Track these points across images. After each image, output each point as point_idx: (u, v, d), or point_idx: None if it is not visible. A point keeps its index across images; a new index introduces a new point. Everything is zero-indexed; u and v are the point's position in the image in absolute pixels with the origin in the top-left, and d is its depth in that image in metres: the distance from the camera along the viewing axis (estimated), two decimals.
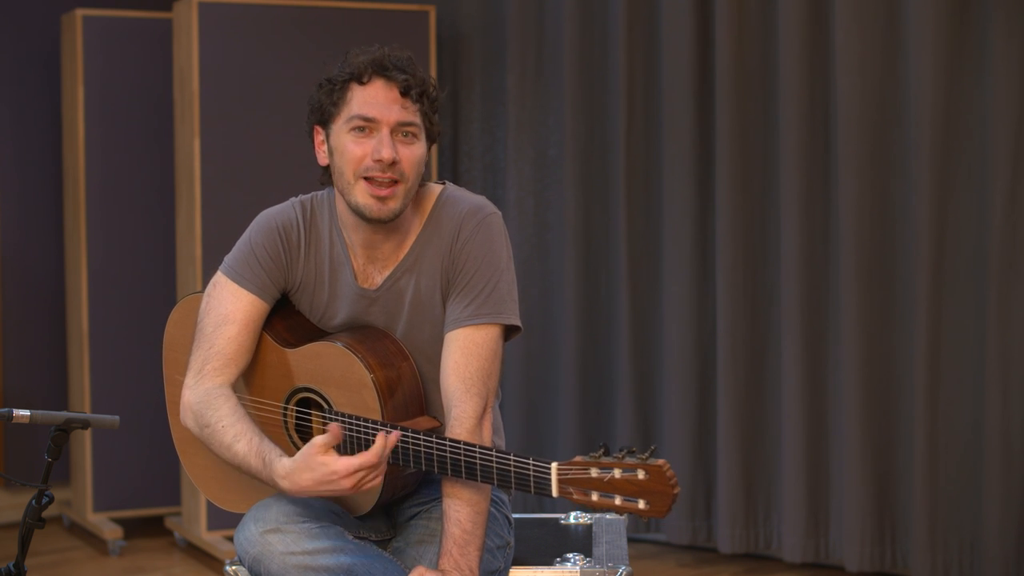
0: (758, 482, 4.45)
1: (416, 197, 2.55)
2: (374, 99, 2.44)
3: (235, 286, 2.56)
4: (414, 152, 2.46)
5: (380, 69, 2.44)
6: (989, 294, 3.97)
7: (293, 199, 2.63)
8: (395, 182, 2.44)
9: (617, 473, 2.19)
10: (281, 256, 2.57)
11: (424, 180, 2.56)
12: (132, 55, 4.77)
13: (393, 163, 2.42)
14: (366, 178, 2.45)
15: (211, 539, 4.51)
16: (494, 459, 2.31)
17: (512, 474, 2.29)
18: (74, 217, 4.82)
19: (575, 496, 2.23)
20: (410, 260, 2.55)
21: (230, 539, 4.50)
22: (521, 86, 4.91)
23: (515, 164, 4.92)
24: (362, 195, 2.45)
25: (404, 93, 2.44)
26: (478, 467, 2.33)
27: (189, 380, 2.55)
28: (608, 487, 2.20)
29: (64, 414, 2.41)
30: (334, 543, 2.39)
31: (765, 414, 4.44)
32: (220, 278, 2.58)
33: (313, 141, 2.55)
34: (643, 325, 4.68)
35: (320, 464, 2.32)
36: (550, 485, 2.25)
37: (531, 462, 2.27)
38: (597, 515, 3.02)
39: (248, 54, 4.48)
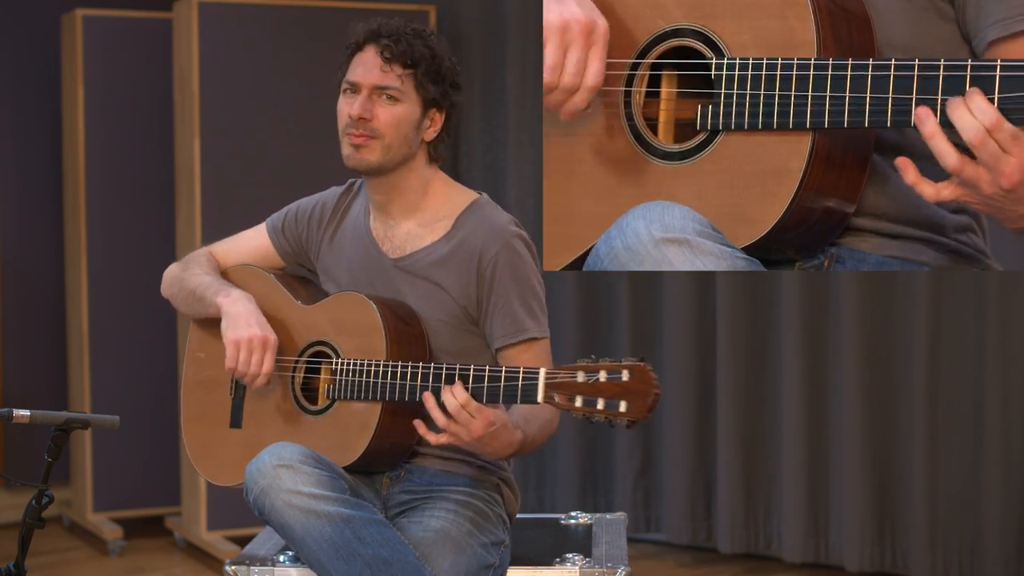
0: (758, 482, 4.45)
1: (447, 191, 2.70)
2: (359, 64, 2.63)
3: (263, 227, 2.87)
4: (393, 113, 2.62)
5: (373, 37, 2.64)
6: (989, 294, 3.97)
7: (352, 179, 2.83)
8: (371, 137, 2.61)
9: (602, 376, 2.24)
10: (303, 223, 2.80)
11: (437, 161, 2.70)
12: (132, 55, 4.77)
13: (362, 120, 2.60)
14: (346, 133, 2.64)
15: (211, 539, 4.50)
16: (486, 373, 2.40)
17: (502, 384, 2.37)
18: (74, 217, 4.82)
19: (558, 401, 2.29)
20: (437, 248, 2.65)
21: (230, 539, 4.51)
22: (521, 86, 4.91)
23: (515, 164, 4.92)
24: (344, 147, 2.64)
25: (387, 58, 2.61)
26: (471, 379, 2.40)
27: None
28: (592, 390, 2.25)
29: (64, 414, 2.42)
30: (338, 495, 2.46)
31: (765, 414, 4.44)
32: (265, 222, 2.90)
33: None
34: (643, 325, 4.68)
35: (257, 315, 2.64)
36: (536, 389, 2.31)
37: (520, 370, 2.35)
38: (597, 515, 3.02)
39: (248, 54, 4.47)
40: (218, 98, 4.44)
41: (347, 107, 2.63)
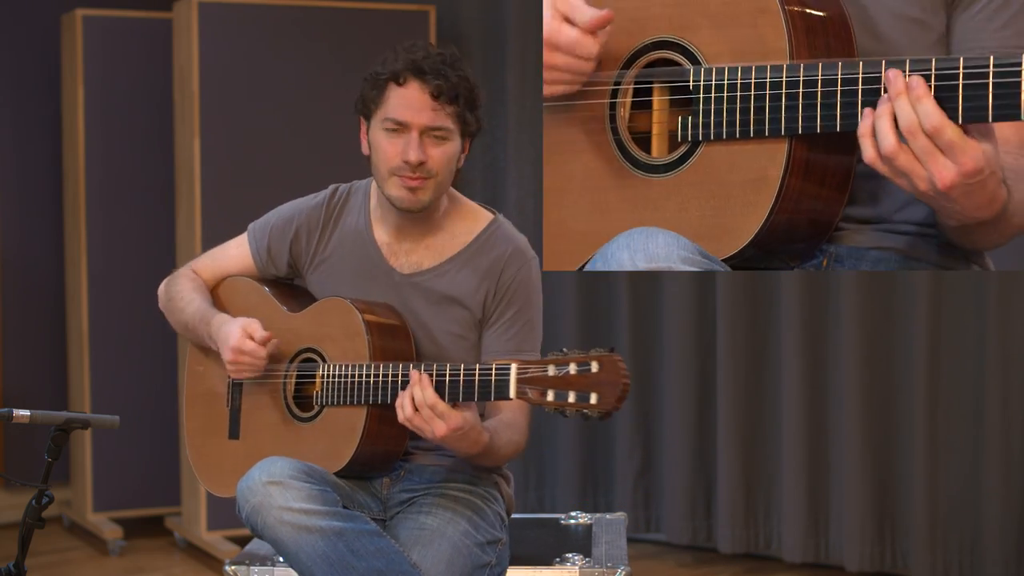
0: (758, 482, 4.45)
1: (463, 211, 2.73)
2: (406, 102, 2.57)
3: (245, 243, 2.84)
4: (445, 151, 2.59)
5: (416, 71, 2.56)
6: (989, 294, 3.97)
7: (334, 185, 2.81)
8: (425, 177, 2.58)
9: (573, 368, 2.24)
10: (290, 237, 2.77)
11: (456, 182, 2.70)
12: (132, 55, 4.77)
13: (421, 163, 2.56)
14: (398, 175, 2.59)
15: (211, 539, 4.51)
16: (461, 371, 2.40)
17: (476, 381, 2.38)
18: (74, 217, 4.82)
19: (530, 396, 2.28)
20: (455, 263, 2.67)
21: (230, 539, 4.51)
22: (521, 86, 4.91)
23: (515, 164, 4.92)
24: (395, 188, 2.61)
25: (436, 96, 2.55)
26: (447, 382, 2.41)
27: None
28: (563, 384, 2.25)
29: (64, 414, 2.42)
30: (330, 508, 2.45)
31: (765, 414, 4.44)
32: (246, 233, 2.86)
33: (360, 129, 2.69)
34: (643, 325, 4.68)
35: (238, 328, 2.62)
36: (508, 384, 2.31)
37: (493, 365, 2.35)
38: (597, 515, 3.02)
39: (248, 54, 4.47)
40: (218, 98, 4.44)
41: (395, 148, 2.57)
